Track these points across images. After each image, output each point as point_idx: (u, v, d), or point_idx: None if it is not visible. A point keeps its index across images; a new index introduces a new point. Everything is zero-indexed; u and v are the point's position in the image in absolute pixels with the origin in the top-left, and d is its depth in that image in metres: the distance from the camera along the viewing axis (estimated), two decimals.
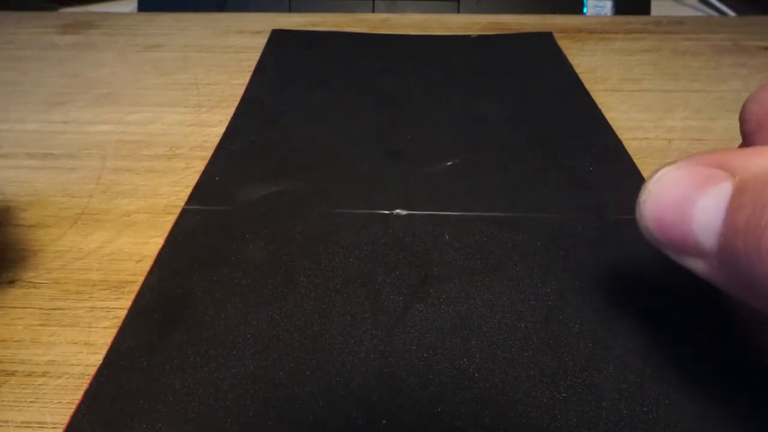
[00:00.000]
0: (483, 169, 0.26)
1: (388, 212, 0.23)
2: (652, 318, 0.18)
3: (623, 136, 0.28)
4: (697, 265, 0.12)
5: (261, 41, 0.40)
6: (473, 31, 0.42)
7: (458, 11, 0.48)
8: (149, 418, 0.15)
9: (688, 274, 0.20)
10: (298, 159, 0.26)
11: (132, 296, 0.19)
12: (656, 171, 0.13)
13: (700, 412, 0.15)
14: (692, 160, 0.12)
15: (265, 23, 0.43)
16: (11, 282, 0.20)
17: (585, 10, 0.48)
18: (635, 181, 0.25)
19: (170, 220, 0.23)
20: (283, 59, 0.37)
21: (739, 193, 0.11)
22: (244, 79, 0.34)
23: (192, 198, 0.24)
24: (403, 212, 0.23)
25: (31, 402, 0.16)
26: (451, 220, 0.22)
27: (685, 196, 0.12)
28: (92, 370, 0.17)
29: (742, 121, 0.15)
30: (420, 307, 0.19)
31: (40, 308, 0.19)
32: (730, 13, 0.50)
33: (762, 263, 0.10)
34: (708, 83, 0.34)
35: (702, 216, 0.11)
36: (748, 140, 0.15)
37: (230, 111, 0.31)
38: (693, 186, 0.12)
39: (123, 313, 0.19)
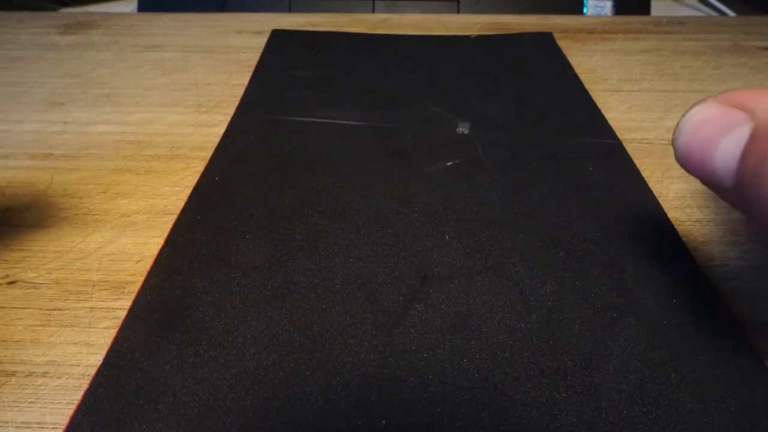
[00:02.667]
0: (483, 169, 0.26)
1: (386, 210, 0.23)
2: (653, 318, 0.18)
3: (623, 136, 0.28)
4: (724, 195, 0.14)
5: (261, 41, 0.40)
6: (473, 31, 0.42)
7: (458, 11, 0.48)
8: (149, 418, 0.15)
9: (687, 275, 0.20)
10: (297, 159, 0.26)
11: (132, 296, 0.19)
12: (689, 109, 0.14)
13: (700, 412, 0.15)
14: (722, 98, 0.13)
15: (265, 23, 0.43)
16: (11, 282, 0.20)
17: (585, 10, 0.48)
18: (635, 181, 0.25)
19: (170, 220, 0.23)
20: (283, 59, 0.37)
21: (751, 141, 0.12)
22: (244, 79, 0.34)
23: (192, 198, 0.24)
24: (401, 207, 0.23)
25: (31, 402, 0.16)
26: (451, 220, 0.22)
27: (709, 140, 0.13)
28: (92, 370, 0.17)
29: None
30: (420, 308, 0.19)
31: (40, 308, 0.19)
32: (730, 13, 0.50)
33: (762, 206, 0.12)
34: (708, 83, 0.34)
35: (721, 158, 0.13)
36: None
37: (230, 111, 0.31)
38: (715, 130, 0.13)
39: (123, 313, 0.19)
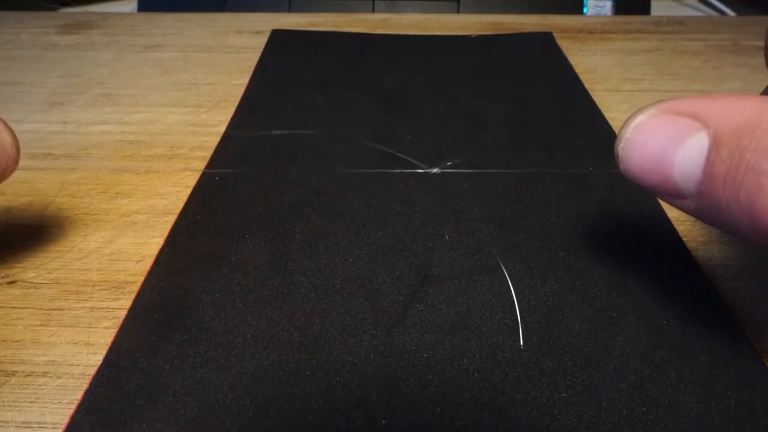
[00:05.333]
0: (483, 169, 0.26)
1: (386, 210, 0.23)
2: (653, 318, 0.18)
3: None
4: (677, 203, 0.13)
5: (261, 41, 0.40)
6: (473, 31, 0.42)
7: (458, 11, 0.48)
8: (149, 418, 0.15)
9: (687, 275, 0.20)
10: (297, 159, 0.26)
11: (132, 296, 0.19)
12: (630, 117, 0.13)
13: (700, 412, 0.15)
14: (665, 107, 0.13)
15: (265, 23, 0.43)
16: (11, 282, 0.20)
17: (585, 10, 0.48)
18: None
19: (170, 220, 0.23)
20: (283, 59, 0.37)
21: (715, 148, 0.12)
22: (244, 79, 0.34)
23: (192, 198, 0.24)
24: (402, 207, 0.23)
25: (31, 402, 0.16)
26: (451, 219, 0.22)
27: (664, 147, 0.13)
28: (92, 370, 0.17)
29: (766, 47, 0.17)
30: (420, 308, 0.19)
31: (40, 308, 0.19)
32: (730, 13, 0.50)
33: (740, 211, 0.11)
34: (708, 83, 0.34)
35: (682, 165, 0.12)
36: None
37: (230, 111, 0.31)
38: (670, 137, 0.13)
39: (123, 313, 0.19)
